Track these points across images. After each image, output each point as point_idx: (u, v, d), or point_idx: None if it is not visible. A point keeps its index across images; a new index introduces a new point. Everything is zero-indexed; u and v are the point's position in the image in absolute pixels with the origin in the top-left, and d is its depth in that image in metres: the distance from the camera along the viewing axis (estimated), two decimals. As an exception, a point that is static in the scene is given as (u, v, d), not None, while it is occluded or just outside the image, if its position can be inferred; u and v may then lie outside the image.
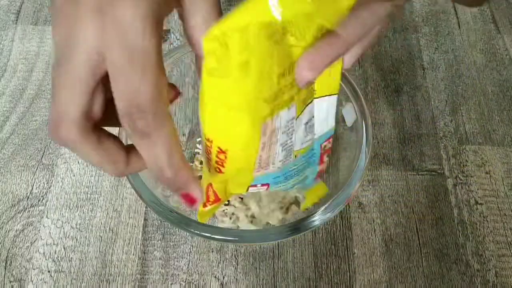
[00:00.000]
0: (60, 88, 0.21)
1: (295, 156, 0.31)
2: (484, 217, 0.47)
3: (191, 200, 0.26)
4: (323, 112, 0.30)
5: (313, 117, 0.30)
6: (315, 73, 0.24)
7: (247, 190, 0.33)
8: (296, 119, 0.28)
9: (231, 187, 0.32)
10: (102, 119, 0.23)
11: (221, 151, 0.26)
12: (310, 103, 0.29)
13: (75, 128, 0.22)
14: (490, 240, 0.46)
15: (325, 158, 0.36)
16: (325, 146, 0.34)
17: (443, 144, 0.52)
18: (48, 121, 0.23)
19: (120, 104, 0.21)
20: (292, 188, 0.36)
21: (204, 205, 0.32)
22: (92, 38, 0.20)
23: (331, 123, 0.32)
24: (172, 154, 0.23)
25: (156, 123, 0.22)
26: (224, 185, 0.31)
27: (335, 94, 0.30)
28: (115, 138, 0.24)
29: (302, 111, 0.29)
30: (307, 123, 0.30)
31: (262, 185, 0.33)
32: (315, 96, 0.29)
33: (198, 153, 0.48)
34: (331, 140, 0.34)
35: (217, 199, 0.32)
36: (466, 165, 0.50)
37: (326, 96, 0.29)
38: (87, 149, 0.23)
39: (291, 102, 0.26)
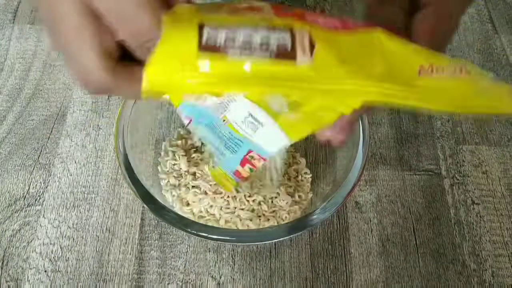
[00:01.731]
0: (67, 46, 0.22)
1: (223, 120, 0.31)
2: (480, 217, 0.47)
3: None
4: (269, 136, 0.29)
5: (261, 125, 0.29)
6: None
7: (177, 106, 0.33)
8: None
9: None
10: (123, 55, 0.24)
11: None
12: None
13: (103, 72, 0.23)
14: (486, 240, 0.46)
15: (247, 168, 0.34)
16: (252, 156, 0.33)
17: (440, 144, 0.52)
18: (77, 81, 0.24)
19: (128, 40, 0.22)
20: (211, 153, 0.35)
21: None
22: None
23: (271, 151, 0.31)
24: None
25: None
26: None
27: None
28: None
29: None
30: (251, 117, 0.29)
31: (187, 117, 0.32)
32: (272, 116, 0.28)
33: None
34: (261, 160, 0.32)
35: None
36: (463, 165, 0.50)
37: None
38: (125, 85, 0.24)
39: None
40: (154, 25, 0.22)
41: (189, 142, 0.48)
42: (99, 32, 0.22)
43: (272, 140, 0.30)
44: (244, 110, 0.29)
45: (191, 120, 0.33)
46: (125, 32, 0.22)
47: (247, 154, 0.32)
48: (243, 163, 0.34)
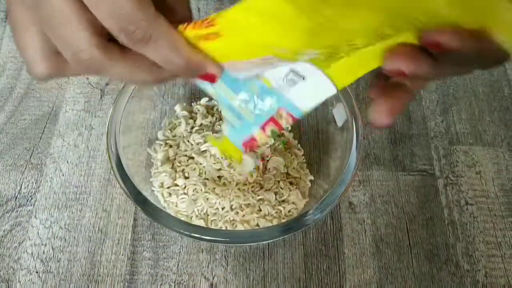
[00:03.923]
0: (55, 27, 0.22)
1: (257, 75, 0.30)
2: (474, 217, 0.47)
3: (211, 78, 0.27)
4: (311, 89, 0.29)
5: (303, 78, 0.29)
6: (393, 119, 0.28)
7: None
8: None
9: None
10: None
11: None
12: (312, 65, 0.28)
13: (94, 48, 0.22)
14: (480, 241, 0.46)
15: (269, 130, 0.32)
16: (280, 114, 0.31)
17: (434, 145, 0.52)
18: (67, 59, 0.23)
19: (110, 24, 0.22)
20: (225, 110, 0.33)
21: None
22: None
23: (304, 106, 0.30)
24: (177, 46, 0.24)
25: (151, 26, 0.22)
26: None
27: (331, 90, 0.28)
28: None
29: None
30: (292, 72, 0.29)
31: None
32: (320, 67, 0.27)
33: None
34: (290, 119, 0.31)
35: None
36: (456, 166, 0.50)
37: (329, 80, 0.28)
38: (114, 61, 0.23)
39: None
40: (139, 4, 0.21)
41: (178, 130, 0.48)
42: (85, 11, 0.22)
43: (311, 95, 0.29)
44: (286, 67, 0.29)
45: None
46: (104, 12, 0.21)
47: (276, 113, 0.31)
48: (266, 124, 0.32)
